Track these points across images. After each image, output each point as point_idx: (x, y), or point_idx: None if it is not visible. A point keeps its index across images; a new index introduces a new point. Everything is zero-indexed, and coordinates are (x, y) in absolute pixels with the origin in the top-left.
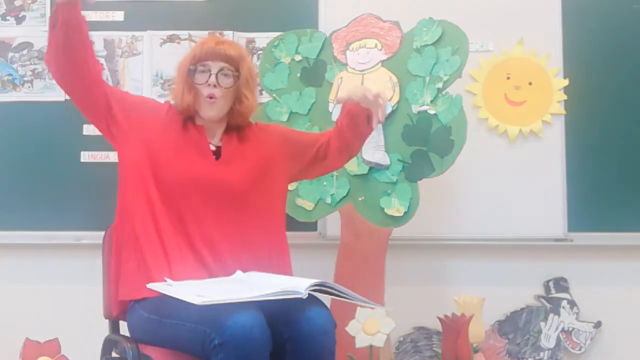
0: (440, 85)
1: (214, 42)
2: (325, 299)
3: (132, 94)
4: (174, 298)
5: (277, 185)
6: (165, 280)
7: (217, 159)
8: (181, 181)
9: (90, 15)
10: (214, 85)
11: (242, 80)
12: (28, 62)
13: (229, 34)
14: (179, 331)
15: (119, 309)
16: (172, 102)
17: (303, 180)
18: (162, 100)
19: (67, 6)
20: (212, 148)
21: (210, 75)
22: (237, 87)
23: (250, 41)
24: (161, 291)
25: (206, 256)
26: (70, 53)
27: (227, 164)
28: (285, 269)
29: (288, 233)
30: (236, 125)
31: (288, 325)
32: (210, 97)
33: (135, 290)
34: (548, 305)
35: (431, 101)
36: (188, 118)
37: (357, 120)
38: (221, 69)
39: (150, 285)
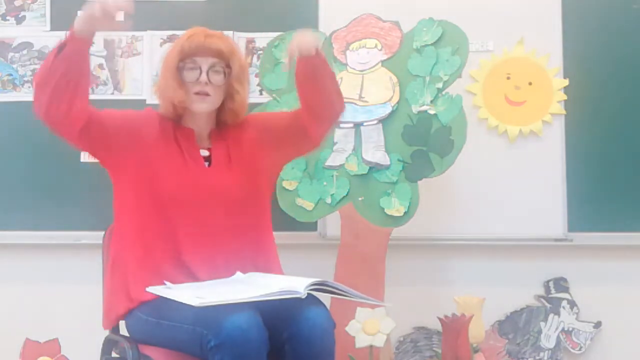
0: (440, 85)
1: (203, 36)
2: (325, 299)
3: (115, 111)
4: (172, 300)
5: (264, 184)
6: (165, 284)
7: (208, 165)
8: (176, 190)
9: None
10: (205, 83)
11: (233, 75)
12: (28, 62)
13: (229, 34)
14: (176, 333)
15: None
16: (158, 99)
17: (303, 180)
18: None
19: (79, 41)
20: (205, 154)
21: (200, 72)
22: (229, 83)
23: (250, 41)
24: (160, 294)
25: (197, 268)
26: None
27: (219, 170)
28: (275, 269)
29: (288, 233)
30: (227, 122)
31: (287, 325)
32: (201, 94)
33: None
34: (548, 305)
35: (431, 101)
36: (177, 119)
37: (308, 67)
38: (212, 66)
39: (149, 289)
